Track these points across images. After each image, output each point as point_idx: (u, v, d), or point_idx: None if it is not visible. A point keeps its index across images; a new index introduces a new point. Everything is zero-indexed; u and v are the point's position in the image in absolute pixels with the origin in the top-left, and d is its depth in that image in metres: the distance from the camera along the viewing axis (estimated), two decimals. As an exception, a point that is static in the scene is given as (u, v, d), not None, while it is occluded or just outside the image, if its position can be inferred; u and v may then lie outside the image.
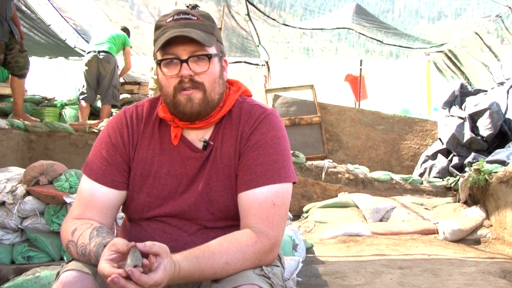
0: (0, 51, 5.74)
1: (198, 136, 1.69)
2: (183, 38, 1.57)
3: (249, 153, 1.64)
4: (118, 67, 7.56)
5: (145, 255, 1.33)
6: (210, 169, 1.66)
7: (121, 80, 8.52)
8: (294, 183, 1.66)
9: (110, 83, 7.22)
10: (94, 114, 7.89)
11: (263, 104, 1.79)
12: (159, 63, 1.62)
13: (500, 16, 9.13)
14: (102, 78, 7.18)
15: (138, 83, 9.02)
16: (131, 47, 7.86)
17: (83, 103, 7.28)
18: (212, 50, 1.63)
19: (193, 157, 1.67)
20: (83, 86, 7.30)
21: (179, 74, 1.59)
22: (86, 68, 7.20)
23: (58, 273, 1.53)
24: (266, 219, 1.56)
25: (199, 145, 1.69)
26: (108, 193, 1.66)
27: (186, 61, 1.58)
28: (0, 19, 5.62)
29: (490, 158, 5.91)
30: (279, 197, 1.59)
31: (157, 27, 1.65)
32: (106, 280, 1.33)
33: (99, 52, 7.12)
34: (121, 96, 8.22)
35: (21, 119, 5.98)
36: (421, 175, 7.10)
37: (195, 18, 1.63)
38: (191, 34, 1.56)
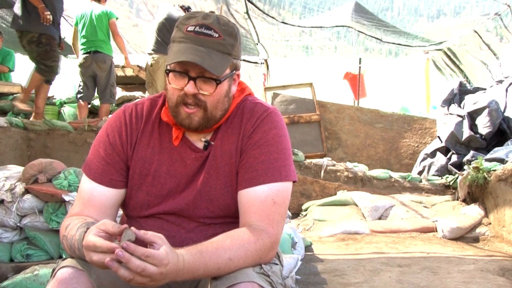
0: (56, 46, 6.30)
1: (199, 137, 1.69)
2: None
3: (250, 151, 1.63)
4: (114, 63, 7.47)
5: (143, 244, 1.30)
6: (209, 167, 1.66)
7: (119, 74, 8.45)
8: (294, 182, 1.66)
9: (108, 82, 7.13)
10: (93, 112, 7.89)
11: (265, 102, 1.78)
12: (168, 72, 1.61)
13: (499, 14, 9.13)
14: (98, 77, 7.07)
15: (140, 67, 8.95)
16: (116, 18, 7.53)
17: (81, 102, 7.23)
18: (224, 73, 1.60)
19: (194, 157, 1.67)
20: (80, 86, 7.24)
21: (184, 89, 1.57)
22: (82, 69, 7.11)
23: (53, 270, 1.52)
24: (266, 217, 1.56)
25: (200, 145, 1.68)
26: (106, 192, 1.66)
27: (194, 79, 1.56)
28: (58, 26, 6.24)
29: (489, 156, 5.91)
30: (279, 196, 1.59)
31: (178, 29, 1.62)
32: (92, 256, 1.30)
33: (93, 52, 7.02)
34: (121, 94, 8.20)
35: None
36: (420, 173, 7.10)
37: (217, 35, 1.57)
38: (203, 62, 1.52)
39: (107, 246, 1.28)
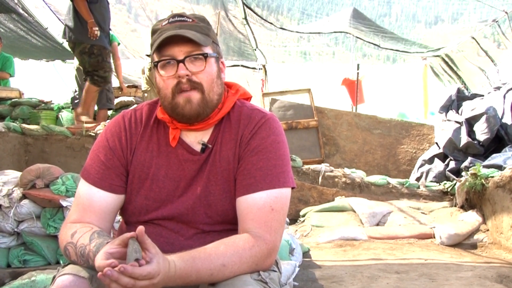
0: (108, 56, 6.29)
1: (196, 139, 1.69)
2: (179, 39, 1.58)
3: (248, 158, 1.64)
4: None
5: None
6: (209, 172, 1.66)
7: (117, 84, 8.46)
8: (292, 188, 1.66)
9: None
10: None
11: (263, 108, 1.79)
12: (156, 65, 1.62)
13: (497, 21, 9.17)
14: None
15: (135, 86, 8.99)
16: (118, 43, 7.78)
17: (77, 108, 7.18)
18: (208, 50, 1.64)
19: (191, 160, 1.68)
20: (75, 91, 7.19)
21: (176, 74, 1.59)
22: (78, 73, 7.07)
23: (54, 277, 1.52)
24: (264, 224, 1.56)
25: (197, 147, 1.69)
26: (106, 197, 1.66)
27: (182, 61, 1.59)
28: (107, 35, 6.28)
29: (486, 162, 5.91)
30: (277, 202, 1.59)
31: (153, 31, 1.67)
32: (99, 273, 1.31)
33: None
34: (119, 99, 8.19)
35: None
36: (418, 179, 7.10)
37: (190, 20, 1.64)
38: (186, 34, 1.57)
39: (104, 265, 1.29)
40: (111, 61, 6.33)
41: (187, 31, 1.59)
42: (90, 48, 6.00)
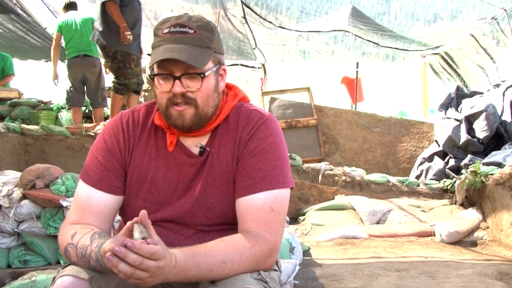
0: (137, 64, 6.22)
1: (194, 142, 1.69)
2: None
3: (247, 159, 1.63)
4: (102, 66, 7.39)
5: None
6: (206, 174, 1.66)
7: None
8: (291, 188, 1.66)
9: (98, 86, 6.96)
10: (90, 117, 7.86)
11: (261, 109, 1.78)
12: (152, 77, 1.61)
13: (496, 18, 9.17)
14: (89, 82, 6.87)
15: None
16: None
17: (73, 108, 7.12)
18: (208, 66, 1.61)
19: (189, 163, 1.67)
20: (69, 92, 7.08)
21: (171, 90, 1.58)
22: (71, 73, 6.95)
23: (54, 278, 1.52)
24: (264, 224, 1.56)
25: (195, 150, 1.68)
26: (105, 198, 1.66)
27: (179, 78, 1.57)
28: (136, 38, 6.12)
29: (486, 160, 5.92)
30: (277, 203, 1.59)
31: (155, 34, 1.64)
32: (105, 260, 1.32)
33: (82, 56, 6.82)
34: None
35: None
36: (418, 177, 7.11)
37: (192, 31, 1.59)
38: (181, 57, 1.53)
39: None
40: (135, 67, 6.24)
41: (185, 49, 1.55)
42: (114, 53, 5.98)
